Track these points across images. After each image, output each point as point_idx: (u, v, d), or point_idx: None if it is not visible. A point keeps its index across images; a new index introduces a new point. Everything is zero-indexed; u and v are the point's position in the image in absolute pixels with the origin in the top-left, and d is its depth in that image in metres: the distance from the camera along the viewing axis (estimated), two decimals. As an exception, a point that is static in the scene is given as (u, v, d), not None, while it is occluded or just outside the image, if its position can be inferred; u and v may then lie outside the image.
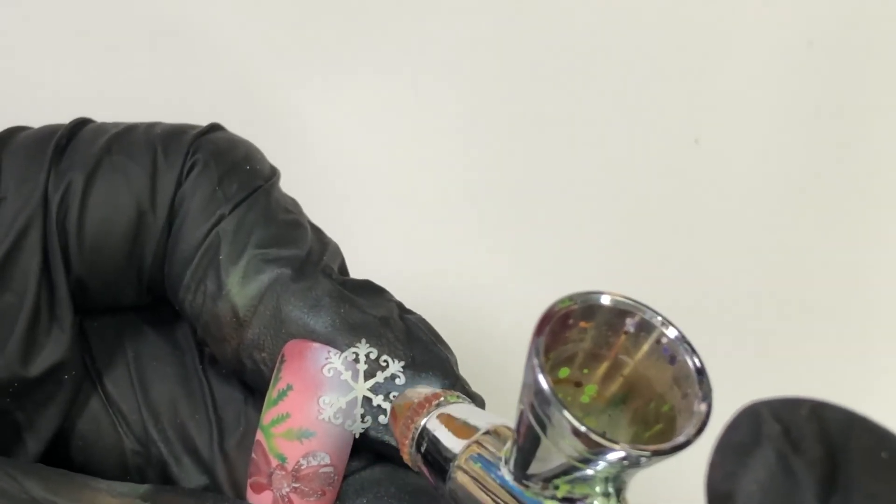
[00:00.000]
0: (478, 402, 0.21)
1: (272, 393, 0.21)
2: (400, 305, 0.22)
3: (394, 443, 0.20)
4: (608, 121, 0.38)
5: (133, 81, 0.34)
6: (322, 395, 0.20)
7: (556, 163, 0.37)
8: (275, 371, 0.21)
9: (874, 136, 0.39)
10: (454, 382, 0.21)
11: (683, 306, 0.38)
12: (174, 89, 0.32)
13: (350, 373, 0.20)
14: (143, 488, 0.20)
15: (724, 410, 0.38)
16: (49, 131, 0.21)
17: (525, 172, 0.37)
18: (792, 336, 0.38)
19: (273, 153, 0.34)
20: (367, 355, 0.21)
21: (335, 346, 0.21)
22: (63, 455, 0.22)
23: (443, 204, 0.37)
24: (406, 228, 0.36)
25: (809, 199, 0.38)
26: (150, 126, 0.22)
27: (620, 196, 0.38)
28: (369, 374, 0.20)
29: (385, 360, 0.21)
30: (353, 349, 0.20)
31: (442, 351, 0.21)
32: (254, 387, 0.22)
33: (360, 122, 0.36)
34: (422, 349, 0.21)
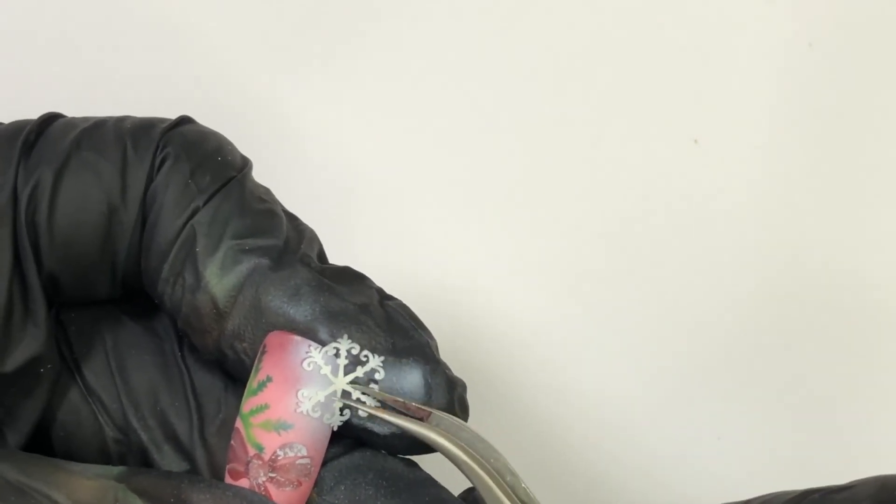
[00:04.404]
0: (459, 387, 0.21)
1: (252, 383, 0.21)
2: (380, 291, 0.22)
3: (376, 429, 0.21)
4: (607, 121, 0.38)
5: (129, 82, 0.34)
6: (301, 389, 0.20)
7: (554, 163, 0.38)
8: (256, 361, 0.21)
9: (874, 137, 0.39)
10: (435, 368, 0.21)
11: (682, 306, 0.38)
12: (170, 91, 0.32)
13: (330, 367, 0.21)
14: (118, 470, 0.20)
15: (723, 410, 0.38)
16: (17, 127, 0.21)
17: (523, 173, 0.37)
18: (791, 335, 0.38)
19: (273, 154, 0.34)
20: (348, 350, 0.21)
21: (315, 336, 0.21)
22: (45, 446, 0.22)
23: (442, 204, 0.37)
24: (406, 229, 0.36)
25: (809, 199, 0.38)
26: (120, 120, 0.22)
27: (619, 196, 0.38)
28: (349, 369, 0.21)
29: (366, 356, 0.21)
30: (334, 344, 0.21)
31: (423, 336, 0.21)
32: (235, 375, 0.22)
33: (359, 123, 0.36)
34: (402, 335, 0.21)
